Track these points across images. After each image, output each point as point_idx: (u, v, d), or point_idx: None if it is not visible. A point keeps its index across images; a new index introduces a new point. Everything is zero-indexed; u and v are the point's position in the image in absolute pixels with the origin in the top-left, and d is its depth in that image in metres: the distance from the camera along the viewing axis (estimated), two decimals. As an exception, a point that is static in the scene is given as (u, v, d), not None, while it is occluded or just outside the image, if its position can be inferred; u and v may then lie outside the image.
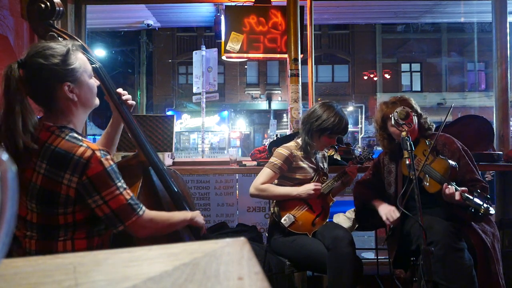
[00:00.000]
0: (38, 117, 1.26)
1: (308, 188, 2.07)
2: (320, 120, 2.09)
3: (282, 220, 2.06)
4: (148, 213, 1.28)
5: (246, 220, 2.95)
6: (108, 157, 1.22)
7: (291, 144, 2.20)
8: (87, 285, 0.39)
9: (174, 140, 2.81)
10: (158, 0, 3.81)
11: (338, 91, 18.57)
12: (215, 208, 3.01)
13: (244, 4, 3.36)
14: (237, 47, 3.27)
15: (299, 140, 2.20)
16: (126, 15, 4.36)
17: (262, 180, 2.10)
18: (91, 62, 1.38)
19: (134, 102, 1.55)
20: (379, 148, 2.48)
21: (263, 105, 18.58)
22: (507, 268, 2.02)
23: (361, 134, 17.91)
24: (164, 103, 18.19)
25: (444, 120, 1.90)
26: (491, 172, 3.55)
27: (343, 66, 18.87)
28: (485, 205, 1.71)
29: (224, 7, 3.37)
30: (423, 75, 18.52)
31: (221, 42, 3.37)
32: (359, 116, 18.04)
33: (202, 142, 9.75)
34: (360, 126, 17.98)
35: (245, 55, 3.35)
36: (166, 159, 2.76)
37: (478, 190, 1.79)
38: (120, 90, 1.51)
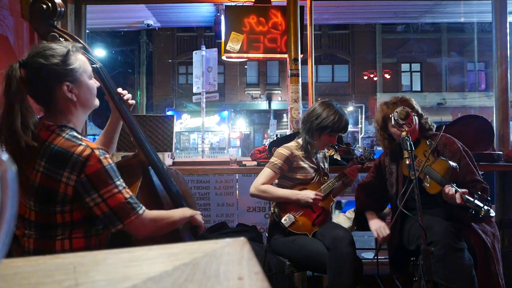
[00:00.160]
0: (39, 117, 1.28)
1: (307, 196, 2.05)
2: (320, 118, 2.09)
3: (282, 220, 2.06)
4: (148, 213, 1.28)
5: (246, 220, 2.94)
6: (107, 155, 1.23)
7: (292, 144, 2.20)
8: (87, 285, 0.39)
9: (174, 140, 2.81)
10: (158, 0, 3.81)
11: (338, 91, 18.57)
12: (215, 208, 3.01)
13: (244, 4, 3.36)
14: (237, 47, 3.27)
15: (300, 140, 2.20)
16: (126, 15, 4.36)
17: (263, 180, 2.10)
18: (92, 62, 1.39)
19: (134, 102, 1.56)
20: (379, 148, 2.48)
21: (263, 105, 18.58)
22: (507, 268, 2.02)
23: (361, 134, 17.91)
24: (164, 103, 18.19)
25: (440, 133, 1.90)
26: None
27: (343, 66, 18.87)
28: (485, 207, 1.71)
29: (224, 7, 3.37)
30: (423, 75, 18.52)
31: (221, 42, 3.36)
32: (359, 116, 18.04)
33: (202, 142, 9.74)
34: (360, 126, 17.98)
35: (245, 55, 3.35)
36: (166, 159, 2.76)
37: (479, 192, 1.78)
38: (120, 89, 1.52)
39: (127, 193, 1.23)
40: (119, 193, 1.21)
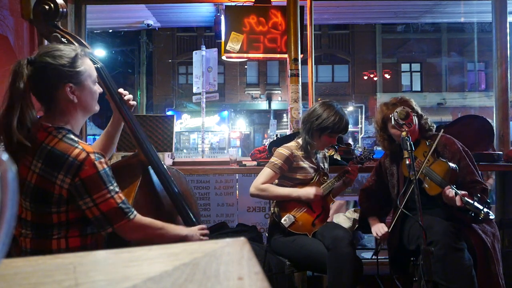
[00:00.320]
0: (38, 116, 1.29)
1: (308, 193, 2.06)
2: (321, 119, 2.09)
3: (282, 220, 2.06)
4: (140, 219, 1.29)
5: (246, 220, 2.94)
6: (102, 160, 1.24)
7: (292, 144, 2.20)
8: (87, 285, 0.39)
9: (174, 140, 2.81)
10: (158, 0, 3.81)
11: (338, 91, 18.56)
12: (215, 208, 3.01)
13: (244, 4, 3.36)
14: (237, 47, 3.27)
15: (300, 140, 2.20)
16: (126, 15, 4.36)
17: (263, 180, 2.10)
18: (93, 62, 1.40)
19: (135, 103, 1.57)
20: (379, 148, 2.48)
21: (263, 105, 18.57)
22: (507, 268, 2.02)
23: (361, 134, 17.90)
24: (164, 103, 18.18)
25: (440, 134, 1.90)
26: (492, 177, 3.53)
27: (343, 66, 18.86)
28: (485, 209, 1.70)
29: (224, 7, 3.37)
30: (423, 75, 18.52)
31: (221, 42, 3.36)
32: (359, 116, 18.03)
33: (202, 142, 9.75)
34: (360, 126, 17.97)
35: (245, 55, 3.35)
36: (166, 159, 2.77)
37: (478, 194, 1.78)
38: (121, 90, 1.52)
39: (120, 198, 1.25)
40: (111, 198, 1.22)
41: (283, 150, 2.15)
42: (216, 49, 8.66)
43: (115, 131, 1.58)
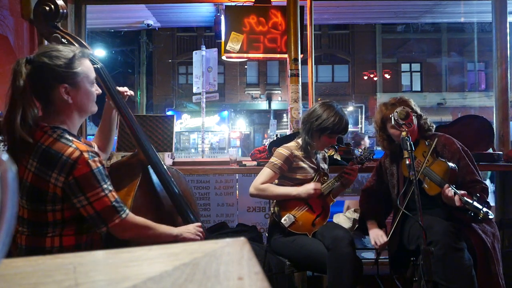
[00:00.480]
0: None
1: (308, 188, 2.07)
2: (320, 119, 2.08)
3: (282, 220, 2.06)
4: (132, 217, 1.30)
5: (246, 220, 2.94)
6: (96, 159, 1.25)
7: (292, 144, 2.20)
8: (87, 285, 0.39)
9: (174, 140, 2.81)
10: (158, 0, 3.81)
11: (338, 91, 18.56)
12: (215, 208, 3.01)
13: (244, 4, 3.36)
14: (237, 47, 3.27)
15: (300, 140, 2.20)
16: (126, 15, 4.36)
17: (262, 180, 2.09)
18: (93, 63, 1.41)
19: (132, 92, 1.60)
20: (379, 148, 2.48)
21: (263, 105, 18.57)
22: (507, 268, 2.02)
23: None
24: (164, 103, 18.18)
25: (438, 134, 1.90)
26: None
27: (343, 66, 18.86)
28: (484, 209, 1.70)
29: (224, 7, 3.37)
30: (423, 75, 18.51)
31: (221, 42, 3.36)
32: (359, 116, 18.02)
33: (202, 142, 9.74)
34: (360, 126, 17.96)
35: (245, 55, 3.35)
36: (166, 159, 2.76)
37: (478, 194, 1.77)
38: (120, 88, 1.54)
39: (113, 196, 1.26)
40: (105, 197, 1.24)
41: (283, 150, 2.15)
42: (216, 49, 8.66)
43: (109, 122, 1.61)
